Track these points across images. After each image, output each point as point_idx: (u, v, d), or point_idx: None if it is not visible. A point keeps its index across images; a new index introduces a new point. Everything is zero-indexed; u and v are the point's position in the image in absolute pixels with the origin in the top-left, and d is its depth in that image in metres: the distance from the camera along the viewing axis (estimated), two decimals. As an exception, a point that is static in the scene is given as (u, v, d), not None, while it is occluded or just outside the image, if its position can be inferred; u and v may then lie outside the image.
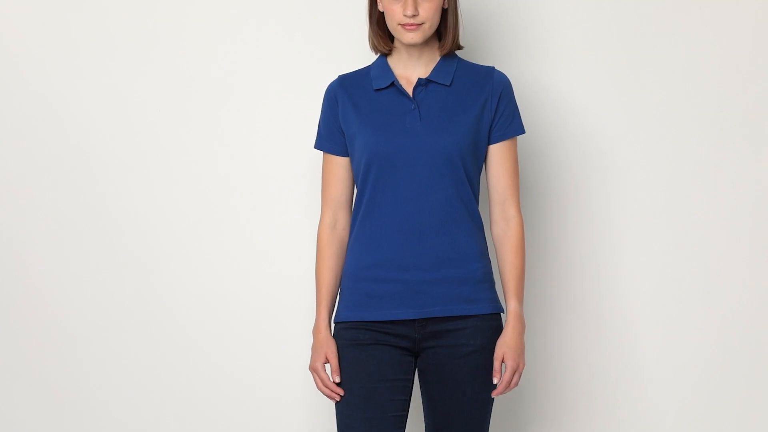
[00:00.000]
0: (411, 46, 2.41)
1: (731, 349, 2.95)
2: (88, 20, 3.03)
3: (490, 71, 2.47)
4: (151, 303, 3.05)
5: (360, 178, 2.45)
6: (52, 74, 3.04)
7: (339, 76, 2.54)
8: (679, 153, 2.95)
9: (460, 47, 2.48)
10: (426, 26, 2.37)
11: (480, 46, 2.93)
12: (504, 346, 2.37)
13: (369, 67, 2.51)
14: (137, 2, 3.03)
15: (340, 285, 2.50)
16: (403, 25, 2.37)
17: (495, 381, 2.37)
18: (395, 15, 2.37)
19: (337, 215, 2.50)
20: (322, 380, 2.42)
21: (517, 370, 2.38)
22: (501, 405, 2.88)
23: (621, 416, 2.98)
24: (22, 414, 3.07)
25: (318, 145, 2.53)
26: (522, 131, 2.48)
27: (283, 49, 3.00)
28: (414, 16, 2.35)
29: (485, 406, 2.41)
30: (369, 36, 2.49)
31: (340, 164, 2.50)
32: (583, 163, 2.95)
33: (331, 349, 2.43)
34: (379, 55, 2.50)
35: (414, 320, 2.40)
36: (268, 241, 3.02)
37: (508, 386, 2.37)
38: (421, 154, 2.38)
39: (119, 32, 3.03)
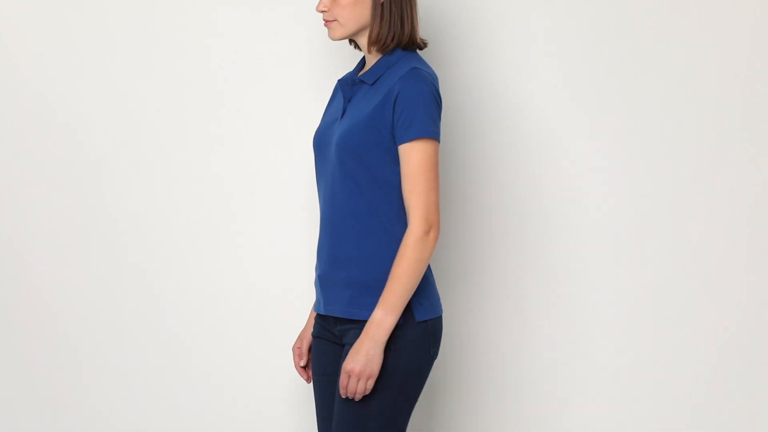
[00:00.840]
0: (361, 44, 2.40)
1: (730, 354, 2.96)
2: (88, 20, 3.02)
3: (403, 71, 2.32)
4: (150, 304, 3.05)
5: None
6: (51, 74, 3.03)
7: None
8: (677, 157, 2.95)
9: (413, 46, 2.39)
10: (338, 23, 2.36)
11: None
12: (351, 348, 2.30)
13: None
14: (137, 2, 3.02)
15: None
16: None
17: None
18: None
19: None
20: (294, 362, 2.56)
21: (352, 374, 2.25)
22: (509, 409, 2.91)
23: (619, 419, 3.01)
24: (21, 414, 3.08)
25: None
26: (423, 135, 2.27)
27: (283, 49, 2.99)
28: (324, 12, 2.36)
29: (363, 408, 2.30)
30: None
31: None
32: (577, 166, 2.96)
33: (305, 334, 2.54)
34: None
35: (329, 316, 2.41)
36: (269, 242, 3.03)
37: (345, 390, 2.26)
38: (330, 149, 2.36)
39: (119, 32, 3.02)
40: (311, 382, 2.53)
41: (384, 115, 2.29)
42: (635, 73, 2.94)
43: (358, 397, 2.26)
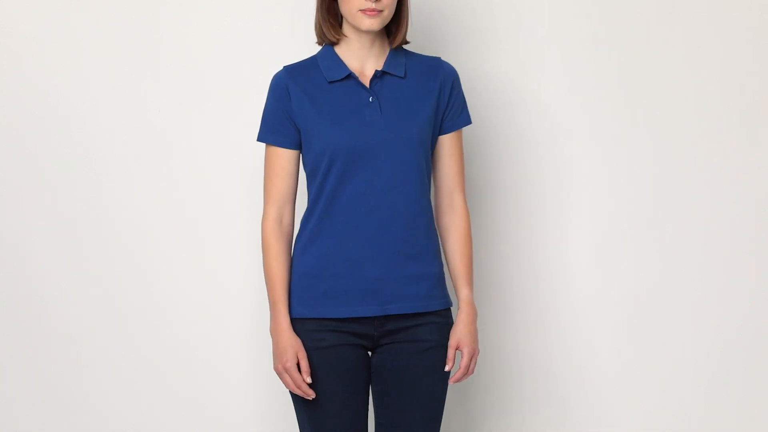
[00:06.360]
0: (363, 35, 2.39)
1: (730, 352, 2.93)
2: (90, 20, 3.05)
3: (438, 61, 2.47)
4: (150, 303, 3.06)
5: (320, 172, 2.39)
6: (53, 75, 3.06)
7: (284, 67, 2.48)
8: (680, 154, 2.94)
9: (406, 41, 2.46)
10: (385, 14, 2.35)
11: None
12: (459, 333, 2.38)
13: (314, 57, 2.47)
14: (139, 3, 3.04)
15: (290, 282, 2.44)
16: (363, 11, 2.34)
17: (448, 368, 2.36)
18: (356, 0, 2.34)
19: (283, 210, 2.44)
20: (294, 381, 2.35)
21: (474, 356, 2.38)
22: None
23: (619, 419, 2.97)
24: (21, 414, 3.09)
25: (263, 138, 2.46)
26: (470, 122, 2.49)
27: (283, 50, 2.99)
28: (377, 1, 2.33)
29: (441, 401, 2.42)
30: (316, 25, 2.45)
31: (288, 158, 2.43)
32: (577, 164, 2.95)
33: (301, 348, 2.37)
34: (324, 45, 2.46)
35: (374, 318, 2.38)
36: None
37: (467, 372, 2.38)
38: (385, 147, 2.36)
39: (120, 32, 3.04)
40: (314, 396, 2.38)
41: (440, 106, 2.42)
42: (635, 69, 2.92)
43: (466, 377, 2.38)
